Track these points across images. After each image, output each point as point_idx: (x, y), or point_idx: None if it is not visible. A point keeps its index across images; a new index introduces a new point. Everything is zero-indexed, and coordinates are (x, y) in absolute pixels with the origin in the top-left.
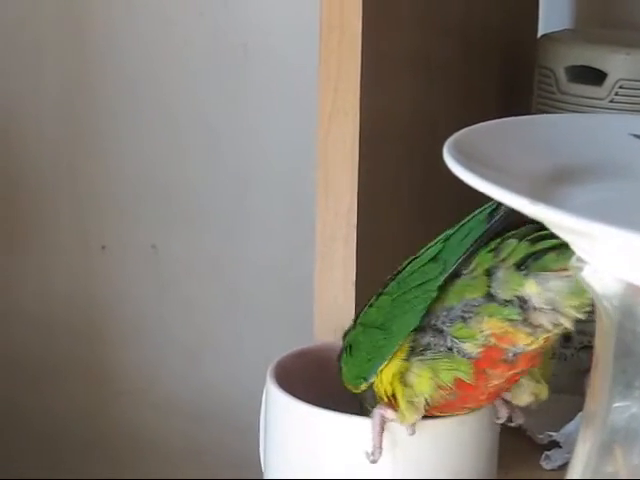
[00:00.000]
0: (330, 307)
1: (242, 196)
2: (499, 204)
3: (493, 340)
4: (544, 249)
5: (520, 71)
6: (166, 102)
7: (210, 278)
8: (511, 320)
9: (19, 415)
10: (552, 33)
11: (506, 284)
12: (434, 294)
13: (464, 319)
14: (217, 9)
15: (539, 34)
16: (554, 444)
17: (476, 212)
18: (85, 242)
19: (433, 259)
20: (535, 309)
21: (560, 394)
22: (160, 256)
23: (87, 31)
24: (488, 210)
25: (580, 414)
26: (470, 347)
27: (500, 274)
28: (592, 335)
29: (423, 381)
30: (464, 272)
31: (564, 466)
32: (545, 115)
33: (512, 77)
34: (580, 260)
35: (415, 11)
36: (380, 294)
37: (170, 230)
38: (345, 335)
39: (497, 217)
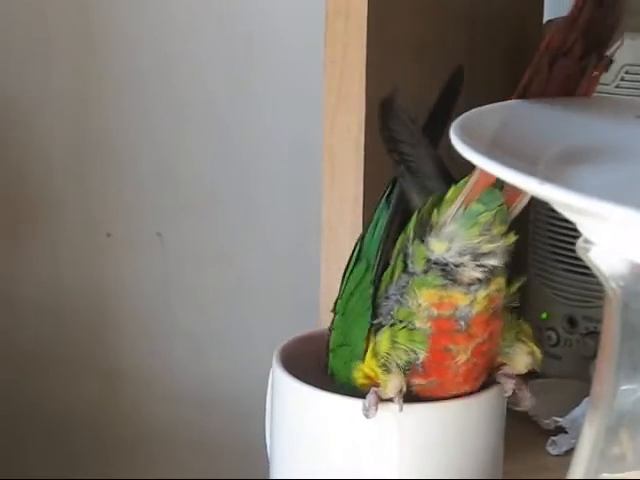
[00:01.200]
0: (336, 294)
1: (248, 184)
2: (393, 185)
3: (435, 310)
4: (428, 210)
5: (526, 57)
6: (172, 91)
7: (215, 266)
8: (439, 285)
9: (26, 404)
10: (557, 19)
11: (415, 257)
12: (370, 291)
13: (400, 302)
14: (224, 2)
15: (544, 20)
16: (560, 429)
17: (378, 201)
18: (91, 230)
19: (357, 261)
20: (455, 265)
21: (566, 379)
22: (165, 244)
23: (94, 22)
24: (386, 194)
25: (586, 399)
26: (420, 323)
27: (409, 250)
28: (598, 321)
29: (384, 341)
30: (391, 261)
31: (570, 451)
32: (552, 98)
33: (518, 63)
34: (587, 241)
35: None
36: (334, 316)
37: (175, 218)
38: (326, 368)
39: (394, 198)
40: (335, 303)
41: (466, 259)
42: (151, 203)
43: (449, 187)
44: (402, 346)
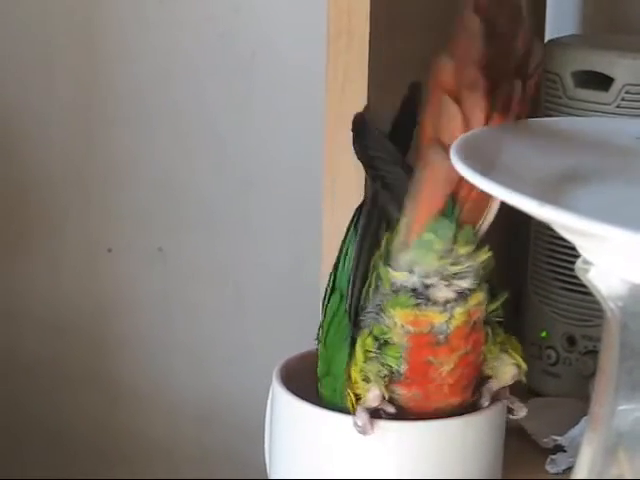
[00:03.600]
0: None
1: (249, 200)
2: (359, 212)
3: (411, 327)
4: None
5: None
6: (175, 107)
7: (217, 282)
8: (412, 305)
9: (26, 418)
10: (559, 38)
11: (383, 279)
12: (346, 321)
13: (376, 319)
14: (226, 16)
15: (546, 39)
16: (559, 448)
17: (346, 230)
18: (92, 245)
19: (332, 291)
20: (425, 286)
21: (565, 398)
22: (167, 259)
23: (97, 37)
24: (354, 223)
25: (585, 418)
26: (397, 338)
27: (379, 270)
28: (597, 340)
29: (358, 353)
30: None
31: (569, 470)
32: (552, 118)
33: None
34: (586, 262)
35: (422, 15)
36: (318, 344)
37: (177, 233)
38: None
39: (362, 226)
40: (318, 332)
41: (434, 280)
42: (152, 218)
43: None
44: (374, 356)
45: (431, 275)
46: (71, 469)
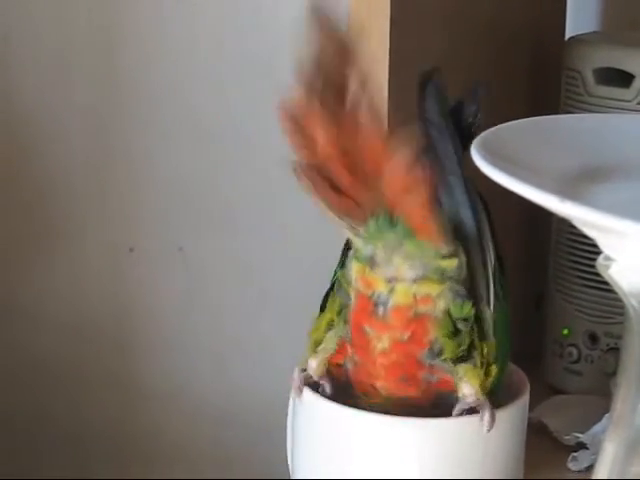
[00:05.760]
0: None
1: (270, 199)
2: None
3: (360, 285)
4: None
5: (548, 73)
6: (194, 107)
7: (238, 281)
8: (364, 262)
9: (46, 419)
10: (580, 35)
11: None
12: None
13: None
14: (247, 16)
15: (567, 36)
16: (581, 445)
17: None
18: (113, 244)
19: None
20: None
21: (587, 395)
22: (187, 259)
23: (115, 38)
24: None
25: (607, 415)
26: (351, 291)
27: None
28: (619, 337)
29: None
30: None
31: (591, 467)
32: (573, 115)
33: (540, 79)
34: (608, 258)
35: (443, 13)
36: None
37: (198, 233)
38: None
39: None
40: None
41: (381, 257)
42: (173, 218)
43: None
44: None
45: (379, 254)
46: (91, 470)
